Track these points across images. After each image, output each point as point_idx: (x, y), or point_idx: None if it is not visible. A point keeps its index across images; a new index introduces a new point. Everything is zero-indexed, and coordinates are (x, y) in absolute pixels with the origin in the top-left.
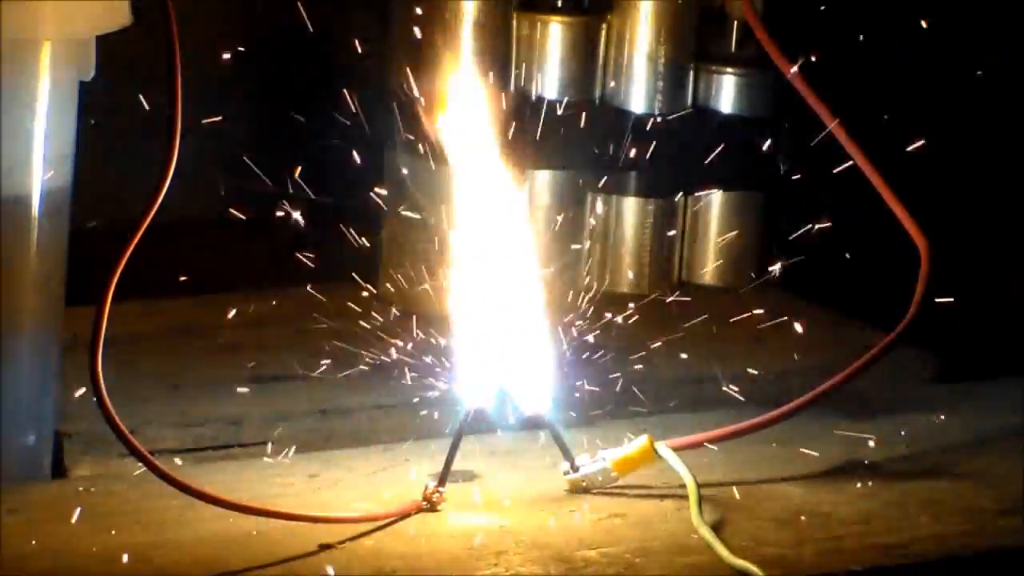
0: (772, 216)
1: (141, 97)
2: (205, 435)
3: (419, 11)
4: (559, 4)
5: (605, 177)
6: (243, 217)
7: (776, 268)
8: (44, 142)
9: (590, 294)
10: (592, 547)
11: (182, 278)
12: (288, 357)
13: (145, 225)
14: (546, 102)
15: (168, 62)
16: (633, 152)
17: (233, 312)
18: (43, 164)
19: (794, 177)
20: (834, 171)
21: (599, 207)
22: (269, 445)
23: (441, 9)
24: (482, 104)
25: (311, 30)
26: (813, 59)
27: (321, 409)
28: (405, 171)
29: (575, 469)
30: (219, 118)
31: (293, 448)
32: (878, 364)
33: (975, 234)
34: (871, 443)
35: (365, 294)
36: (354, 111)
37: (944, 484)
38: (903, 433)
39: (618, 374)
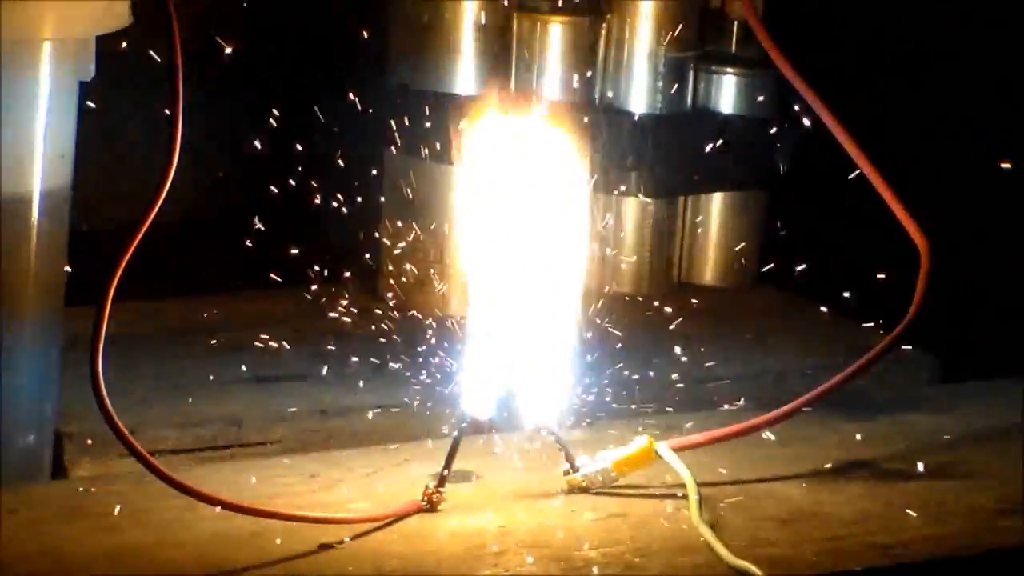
0: (772, 216)
1: (141, 97)
2: (205, 435)
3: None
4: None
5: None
6: (243, 217)
7: (775, 268)
8: (44, 142)
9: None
10: (592, 547)
11: (182, 278)
12: (288, 357)
13: (145, 226)
14: None
15: (169, 62)
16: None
17: (233, 312)
18: (43, 164)
19: (793, 177)
20: (834, 171)
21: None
22: (269, 444)
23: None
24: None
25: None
26: (813, 59)
27: (321, 409)
28: (405, 170)
29: (575, 469)
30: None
31: (293, 448)
32: (878, 364)
33: (975, 234)
34: (871, 443)
35: (365, 294)
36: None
37: (944, 484)
38: (903, 433)
39: (618, 374)
